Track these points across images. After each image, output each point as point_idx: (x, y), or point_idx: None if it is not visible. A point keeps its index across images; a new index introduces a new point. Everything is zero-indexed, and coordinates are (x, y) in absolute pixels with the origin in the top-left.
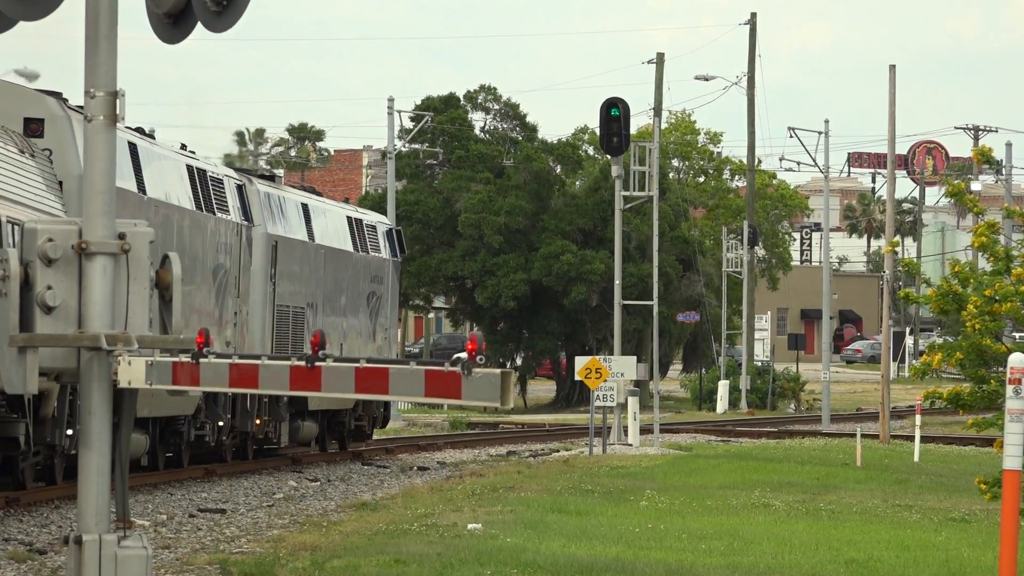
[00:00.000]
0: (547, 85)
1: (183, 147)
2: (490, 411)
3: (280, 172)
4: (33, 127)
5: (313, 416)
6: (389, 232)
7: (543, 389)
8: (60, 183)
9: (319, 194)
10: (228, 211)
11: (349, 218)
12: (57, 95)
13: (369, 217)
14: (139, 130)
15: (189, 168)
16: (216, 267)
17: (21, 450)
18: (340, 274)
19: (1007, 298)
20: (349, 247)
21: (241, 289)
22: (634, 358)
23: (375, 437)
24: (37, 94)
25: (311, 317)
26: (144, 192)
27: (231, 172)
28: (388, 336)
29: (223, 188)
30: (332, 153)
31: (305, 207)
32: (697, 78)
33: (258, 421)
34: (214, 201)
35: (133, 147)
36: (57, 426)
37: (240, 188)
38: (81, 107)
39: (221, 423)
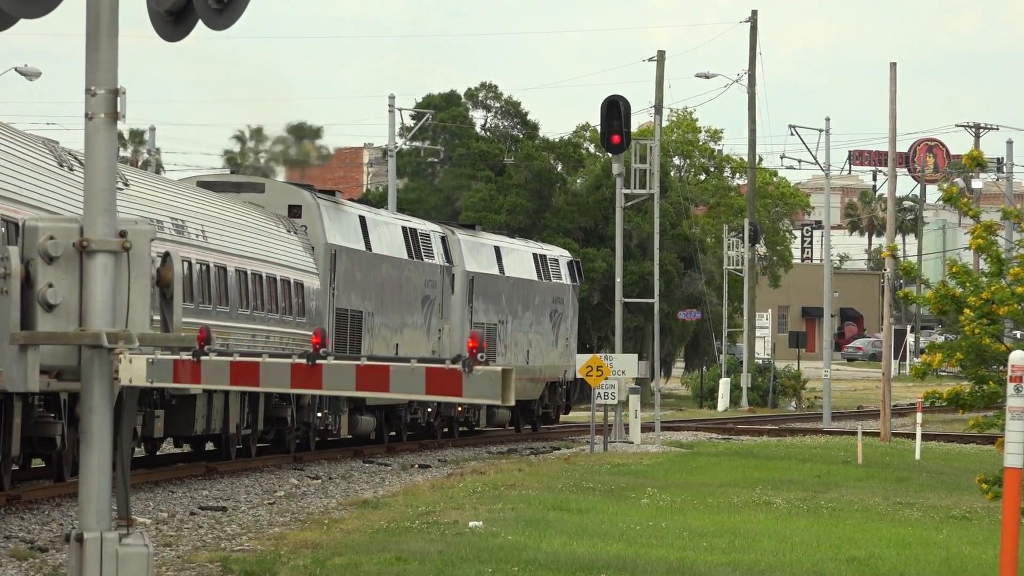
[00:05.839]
0: (548, 83)
1: (401, 209)
2: None
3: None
4: (294, 211)
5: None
6: (570, 263)
7: None
8: (312, 247)
9: (512, 236)
10: (433, 257)
11: (535, 254)
12: (309, 187)
13: (553, 252)
14: (366, 201)
15: (403, 228)
16: (424, 298)
17: (288, 427)
18: (525, 298)
19: (1004, 301)
20: (534, 276)
21: (444, 312)
22: (635, 356)
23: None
24: (296, 188)
25: (501, 331)
26: (370, 249)
27: (436, 227)
28: (569, 343)
29: (429, 240)
30: (332, 151)
31: (497, 248)
32: (698, 76)
33: (459, 408)
34: (422, 250)
35: (362, 218)
36: (311, 409)
37: (443, 238)
38: (324, 192)
39: (430, 408)
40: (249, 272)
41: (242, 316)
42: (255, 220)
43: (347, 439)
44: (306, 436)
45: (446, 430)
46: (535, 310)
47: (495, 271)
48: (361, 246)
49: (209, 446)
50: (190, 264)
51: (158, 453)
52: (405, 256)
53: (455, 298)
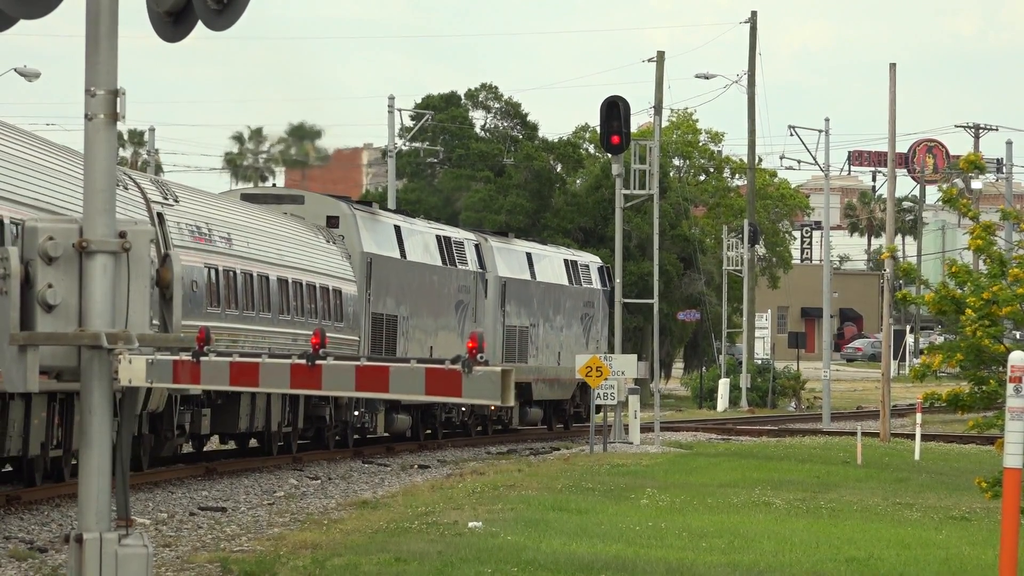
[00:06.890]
0: (548, 83)
1: (436, 219)
2: None
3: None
4: (332, 221)
5: (539, 404)
6: (600, 268)
7: None
8: (349, 256)
9: (544, 244)
10: (467, 263)
11: (566, 260)
12: (347, 199)
13: (584, 258)
14: (403, 212)
15: (438, 237)
16: (458, 302)
17: (327, 425)
18: (556, 302)
19: (1006, 302)
20: (564, 282)
21: (477, 316)
22: (635, 356)
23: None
24: (334, 200)
25: (533, 333)
26: (405, 257)
27: (470, 235)
28: (599, 345)
29: (463, 248)
30: (331, 152)
31: (529, 255)
32: (698, 76)
33: (492, 407)
34: (456, 258)
35: (397, 228)
36: (348, 408)
37: (477, 246)
38: (360, 203)
39: (463, 408)
40: (290, 280)
41: (283, 321)
42: (296, 231)
43: (384, 436)
44: (344, 434)
45: (480, 428)
46: (566, 314)
47: (527, 276)
48: (396, 254)
49: (252, 443)
50: (235, 273)
51: (204, 449)
52: (439, 263)
53: (488, 302)
